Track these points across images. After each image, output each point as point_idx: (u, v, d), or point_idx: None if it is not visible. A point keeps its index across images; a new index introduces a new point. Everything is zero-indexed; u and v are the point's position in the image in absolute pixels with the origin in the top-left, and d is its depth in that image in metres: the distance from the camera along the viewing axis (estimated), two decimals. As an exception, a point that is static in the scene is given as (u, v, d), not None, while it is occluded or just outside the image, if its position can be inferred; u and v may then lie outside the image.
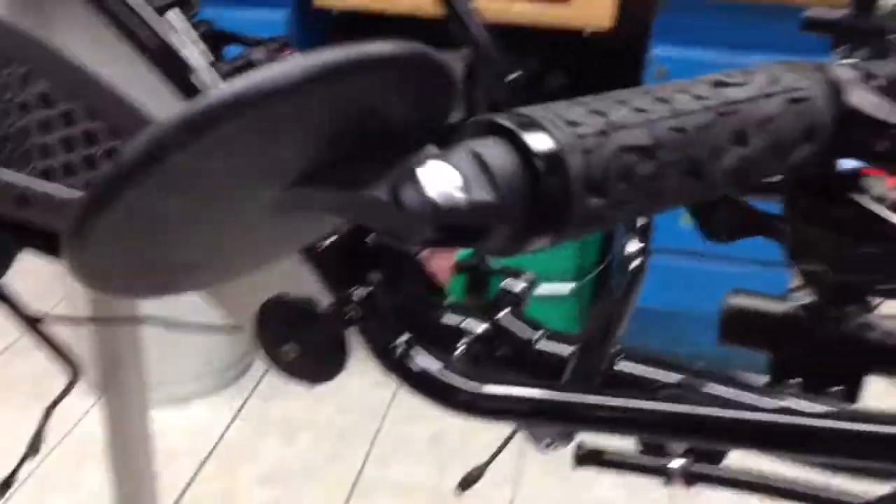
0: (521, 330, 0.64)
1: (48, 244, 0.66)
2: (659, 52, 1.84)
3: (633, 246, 0.61)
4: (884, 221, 0.47)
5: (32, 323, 0.80)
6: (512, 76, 0.73)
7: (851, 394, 0.53)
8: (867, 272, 0.50)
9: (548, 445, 0.63)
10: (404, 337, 0.59)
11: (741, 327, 0.57)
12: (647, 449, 0.61)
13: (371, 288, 0.59)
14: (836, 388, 0.52)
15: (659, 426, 0.49)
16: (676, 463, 0.61)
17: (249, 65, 0.68)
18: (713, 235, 0.61)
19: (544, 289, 2.21)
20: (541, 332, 0.64)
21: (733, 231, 0.58)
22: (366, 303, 0.59)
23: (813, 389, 0.52)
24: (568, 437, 0.64)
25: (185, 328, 0.95)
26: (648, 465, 0.61)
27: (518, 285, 0.68)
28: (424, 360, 0.58)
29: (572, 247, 2.12)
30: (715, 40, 1.80)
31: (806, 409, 0.50)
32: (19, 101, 0.60)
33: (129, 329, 1.08)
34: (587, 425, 0.53)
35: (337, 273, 0.61)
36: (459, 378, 0.58)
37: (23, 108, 0.60)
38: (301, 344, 0.61)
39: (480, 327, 0.64)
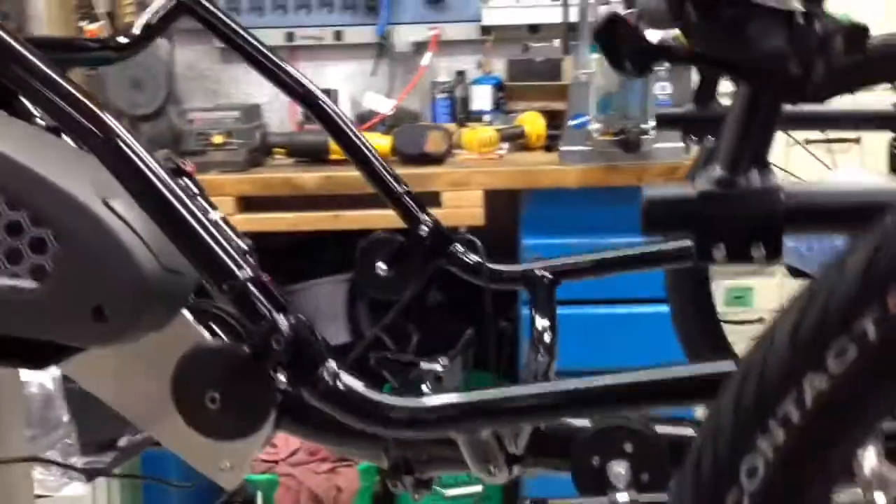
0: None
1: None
2: (529, 242, 1.98)
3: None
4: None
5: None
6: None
7: (775, 251, 0.57)
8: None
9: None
10: (331, 363, 0.61)
11: (662, 215, 0.62)
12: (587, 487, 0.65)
13: (292, 319, 0.61)
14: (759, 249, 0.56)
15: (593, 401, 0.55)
16: (622, 497, 0.64)
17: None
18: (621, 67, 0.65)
19: (454, 491, 2.19)
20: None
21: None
22: (290, 335, 0.60)
23: (737, 257, 0.57)
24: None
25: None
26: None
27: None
28: (357, 384, 0.61)
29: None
30: (578, 226, 1.95)
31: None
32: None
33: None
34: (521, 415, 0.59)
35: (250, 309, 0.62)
36: (396, 397, 0.61)
37: None
38: (224, 392, 0.61)
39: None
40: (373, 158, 0.93)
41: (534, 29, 2.62)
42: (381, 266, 0.95)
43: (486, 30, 2.62)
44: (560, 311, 0.88)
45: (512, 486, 2.11)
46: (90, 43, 0.81)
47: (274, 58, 0.92)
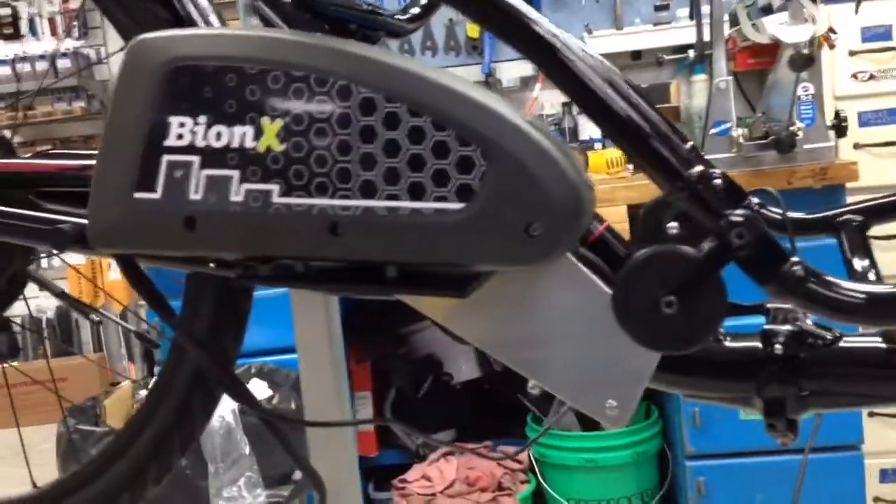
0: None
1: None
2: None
3: None
4: None
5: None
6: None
7: None
8: None
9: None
10: (795, 259, 0.59)
11: None
12: None
13: (749, 211, 0.59)
14: None
15: None
16: None
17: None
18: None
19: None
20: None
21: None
22: (748, 224, 0.59)
23: None
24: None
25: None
26: None
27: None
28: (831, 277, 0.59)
29: (630, 468, 2.09)
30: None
31: None
32: (339, 115, 0.60)
33: None
34: None
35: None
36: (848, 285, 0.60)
37: (343, 121, 0.60)
38: (681, 296, 0.60)
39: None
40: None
41: (636, 55, 2.64)
42: (672, 224, 0.93)
43: (588, 60, 2.64)
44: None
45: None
46: (387, 14, 0.82)
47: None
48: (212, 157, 0.64)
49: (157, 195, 0.65)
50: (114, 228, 0.67)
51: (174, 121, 0.64)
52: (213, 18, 0.77)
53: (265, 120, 0.63)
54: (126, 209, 0.65)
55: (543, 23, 0.67)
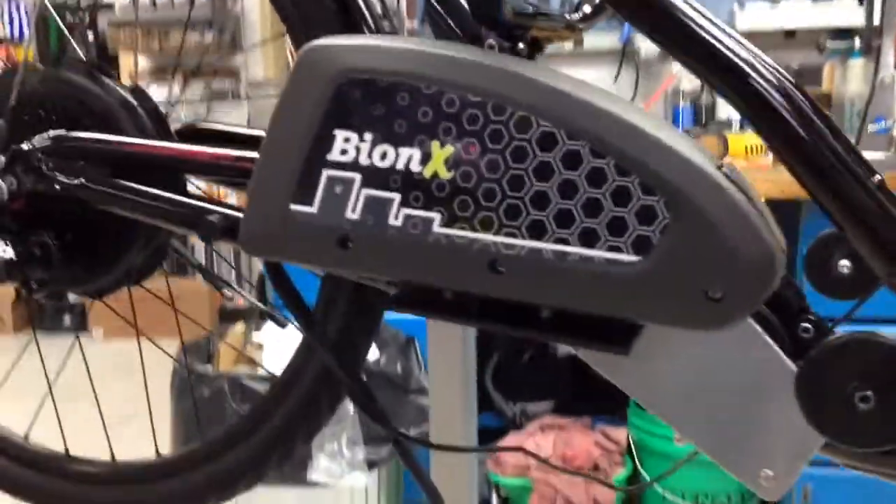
0: None
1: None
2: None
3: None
4: None
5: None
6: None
7: None
8: None
9: None
10: None
11: None
12: None
13: None
14: None
15: None
16: None
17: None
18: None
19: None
20: None
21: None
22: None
23: None
24: None
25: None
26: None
27: None
28: None
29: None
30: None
31: None
32: (514, 148, 0.57)
33: None
34: None
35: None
36: None
37: (518, 155, 0.57)
38: (879, 392, 0.54)
39: None
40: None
41: (790, 34, 2.49)
42: (845, 263, 0.86)
43: (735, 35, 2.51)
44: None
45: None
46: (559, 16, 0.76)
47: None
48: (374, 176, 0.61)
49: (313, 209, 0.62)
50: (266, 237, 0.65)
51: (340, 135, 0.61)
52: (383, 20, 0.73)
53: (435, 144, 0.59)
54: (281, 220, 0.63)
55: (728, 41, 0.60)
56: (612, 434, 2.19)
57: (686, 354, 0.63)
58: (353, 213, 0.61)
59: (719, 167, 0.56)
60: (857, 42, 2.08)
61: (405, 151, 0.60)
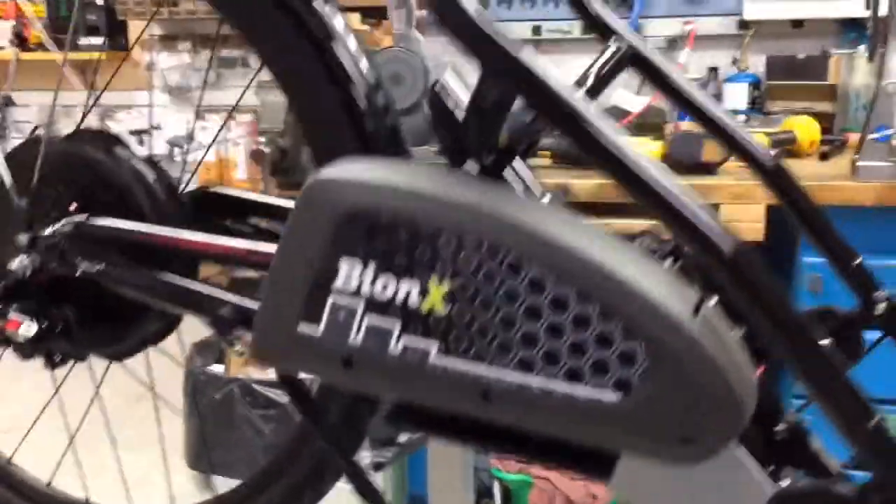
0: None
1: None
2: (809, 260, 1.89)
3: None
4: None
5: None
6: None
7: None
8: None
9: None
10: None
11: None
12: None
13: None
14: None
15: None
16: None
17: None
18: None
19: None
20: None
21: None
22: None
23: None
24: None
25: None
26: None
27: None
28: None
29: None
30: (865, 246, 1.84)
31: None
32: (506, 290, 0.61)
33: None
34: None
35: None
36: None
37: (509, 297, 0.61)
38: None
39: None
40: (829, 229, 0.88)
41: (797, 24, 2.48)
42: (824, 343, 0.90)
43: (743, 24, 2.51)
44: None
45: None
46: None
47: (728, 121, 0.88)
48: (376, 305, 0.65)
49: (319, 331, 0.67)
50: (276, 351, 0.69)
51: (344, 265, 0.65)
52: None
53: (433, 281, 0.63)
54: (289, 339, 0.67)
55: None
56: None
57: (667, 475, 0.68)
58: (356, 337, 0.66)
59: (698, 307, 0.60)
60: (862, 49, 2.08)
61: (405, 284, 0.64)
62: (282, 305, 0.68)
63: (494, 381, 0.63)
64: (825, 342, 0.91)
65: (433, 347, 0.64)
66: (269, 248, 0.77)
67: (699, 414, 0.59)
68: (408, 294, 0.64)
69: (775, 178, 0.88)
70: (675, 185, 0.64)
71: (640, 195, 0.63)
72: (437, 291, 0.63)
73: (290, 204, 0.96)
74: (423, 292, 0.64)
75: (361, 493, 0.81)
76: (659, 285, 0.60)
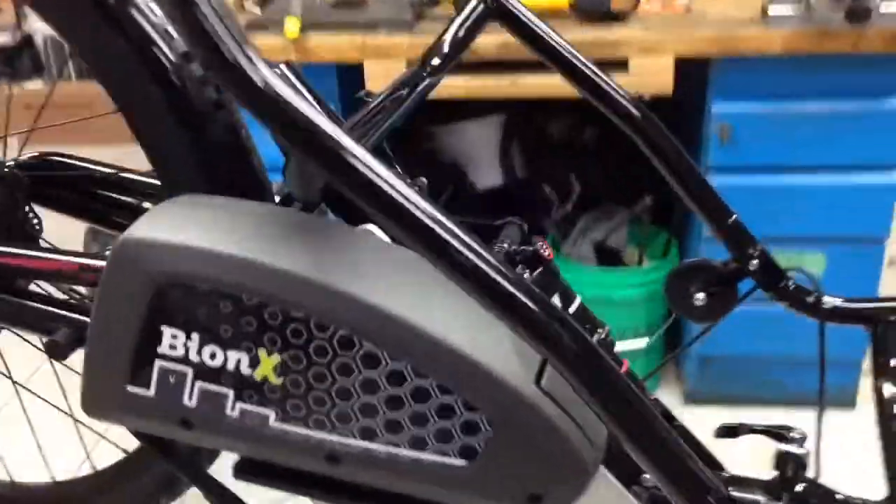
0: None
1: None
2: (719, 109, 1.85)
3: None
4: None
5: None
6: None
7: None
8: None
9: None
10: None
11: None
12: None
13: None
14: None
15: None
16: None
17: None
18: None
19: (623, 345, 2.19)
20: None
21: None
22: None
23: None
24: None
25: None
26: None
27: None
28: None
29: (642, 304, 2.13)
30: (773, 93, 1.81)
31: None
32: (340, 364, 0.57)
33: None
34: None
35: None
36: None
37: (344, 370, 0.57)
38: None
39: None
40: (705, 185, 0.84)
41: None
42: (699, 297, 0.89)
43: None
44: None
45: (674, 339, 2.14)
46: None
47: (589, 64, 0.82)
48: (206, 373, 0.60)
49: (150, 393, 0.62)
50: (109, 409, 0.65)
51: (167, 331, 0.60)
52: None
53: (262, 352, 0.59)
54: (120, 397, 0.63)
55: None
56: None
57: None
58: (190, 401, 0.62)
59: (539, 374, 0.57)
60: None
61: (233, 355, 0.59)
62: (106, 368, 0.63)
63: (339, 445, 0.60)
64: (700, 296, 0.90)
65: (271, 413, 0.60)
66: (103, 264, 0.71)
67: (544, 475, 0.58)
68: (238, 363, 0.60)
69: (644, 128, 0.82)
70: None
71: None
72: (268, 363, 0.59)
73: (150, 180, 0.88)
74: (254, 363, 0.59)
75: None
76: (497, 357, 0.57)
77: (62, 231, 0.94)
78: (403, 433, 0.59)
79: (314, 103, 0.63)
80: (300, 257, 0.58)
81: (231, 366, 0.60)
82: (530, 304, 0.51)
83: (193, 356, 0.60)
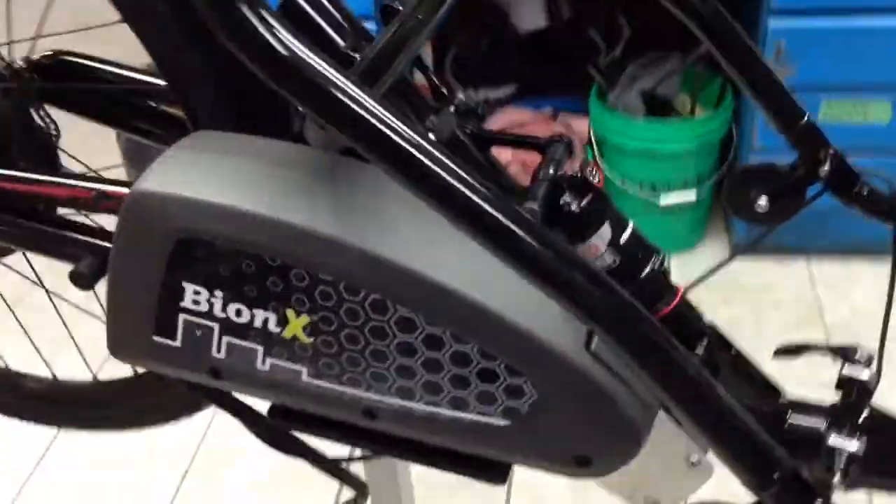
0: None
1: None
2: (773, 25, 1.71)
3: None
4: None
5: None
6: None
7: None
8: None
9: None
10: None
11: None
12: None
13: None
14: None
15: None
16: None
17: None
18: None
19: (670, 197, 2.12)
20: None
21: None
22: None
23: None
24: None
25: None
26: None
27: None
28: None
29: (692, 156, 2.05)
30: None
31: None
32: (373, 327, 0.54)
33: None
34: None
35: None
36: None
37: (378, 333, 0.54)
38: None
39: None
40: (773, 80, 0.76)
41: None
42: (761, 202, 0.82)
43: None
44: None
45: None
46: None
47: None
48: (232, 329, 0.57)
49: (177, 344, 0.59)
50: (136, 355, 0.62)
51: (189, 287, 0.56)
52: None
53: (290, 312, 0.55)
54: (146, 346, 0.60)
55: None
56: (574, 125, 2.18)
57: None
58: (219, 353, 0.59)
59: (589, 339, 0.52)
60: None
61: (260, 313, 0.55)
62: (129, 319, 0.59)
63: (375, 402, 0.57)
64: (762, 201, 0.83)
65: (303, 369, 0.57)
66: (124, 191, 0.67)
67: (594, 439, 0.55)
68: (265, 322, 0.56)
69: (711, 23, 0.73)
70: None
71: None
72: (297, 323, 0.55)
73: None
74: (282, 321, 0.55)
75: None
76: (543, 321, 0.52)
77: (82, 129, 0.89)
78: (443, 394, 0.55)
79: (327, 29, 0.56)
80: (328, 214, 0.52)
81: (258, 323, 0.56)
82: (572, 273, 0.46)
83: (218, 312, 0.56)
